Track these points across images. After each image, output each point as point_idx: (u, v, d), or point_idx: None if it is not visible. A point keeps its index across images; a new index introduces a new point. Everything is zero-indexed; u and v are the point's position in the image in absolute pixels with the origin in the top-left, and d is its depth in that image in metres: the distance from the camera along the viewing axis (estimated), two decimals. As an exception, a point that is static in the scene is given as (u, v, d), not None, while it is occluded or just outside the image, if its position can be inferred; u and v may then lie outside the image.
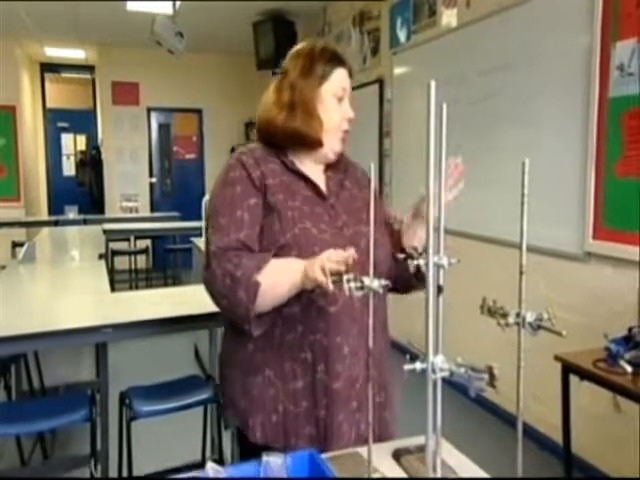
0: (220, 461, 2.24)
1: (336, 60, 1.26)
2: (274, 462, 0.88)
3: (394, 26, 4.30)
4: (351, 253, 1.02)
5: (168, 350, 3.96)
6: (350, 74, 1.30)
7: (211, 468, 0.86)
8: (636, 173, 2.30)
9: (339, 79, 1.25)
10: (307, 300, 1.17)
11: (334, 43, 5.41)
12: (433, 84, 0.76)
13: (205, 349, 3.35)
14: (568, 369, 2.01)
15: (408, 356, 0.77)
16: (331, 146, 1.27)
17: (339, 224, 1.23)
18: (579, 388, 2.02)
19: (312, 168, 1.28)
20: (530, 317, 0.81)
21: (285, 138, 1.25)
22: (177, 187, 7.64)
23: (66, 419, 1.84)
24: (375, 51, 4.65)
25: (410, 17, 4.07)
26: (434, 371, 0.75)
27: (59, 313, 2.32)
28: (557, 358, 2.03)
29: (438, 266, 0.96)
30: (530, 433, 2.85)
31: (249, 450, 1.20)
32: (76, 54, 7.41)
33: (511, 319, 0.81)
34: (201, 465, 0.92)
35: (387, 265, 1.27)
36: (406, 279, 1.24)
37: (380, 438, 1.22)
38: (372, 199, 0.99)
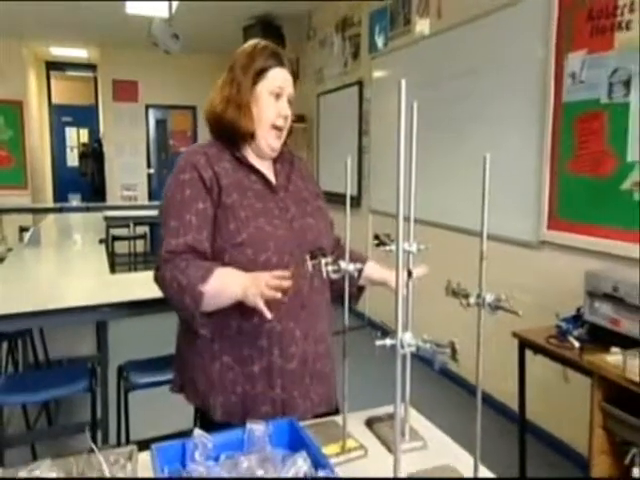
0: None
1: (275, 60, 1.21)
2: (257, 429, 0.88)
3: (373, 33, 4.26)
4: (287, 275, 1.02)
5: (164, 327, 3.90)
6: (293, 75, 1.25)
7: (198, 434, 0.85)
8: (586, 170, 2.32)
9: (275, 78, 1.20)
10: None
11: (318, 47, 5.36)
12: (403, 83, 0.74)
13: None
14: (524, 344, 2.03)
15: (379, 333, 0.76)
16: (267, 141, 1.21)
17: (289, 217, 1.19)
18: (533, 361, 2.05)
19: (260, 163, 1.24)
20: (489, 298, 0.81)
21: (222, 129, 1.20)
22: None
23: (68, 389, 1.82)
24: (355, 55, 4.60)
25: (387, 25, 4.03)
26: (402, 346, 0.74)
27: (62, 292, 2.28)
28: (514, 335, 2.05)
29: (408, 252, 0.95)
30: (490, 401, 2.89)
31: (210, 427, 1.15)
32: (79, 54, 7.25)
33: (472, 300, 0.81)
34: (191, 432, 0.91)
35: (331, 251, 1.25)
36: (339, 291, 1.18)
37: (331, 399, 1.24)
38: (348, 194, 0.98)
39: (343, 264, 0.98)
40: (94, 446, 0.72)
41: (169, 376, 1.93)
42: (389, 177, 3.88)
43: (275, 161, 1.27)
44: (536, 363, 2.06)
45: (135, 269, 5.89)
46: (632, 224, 2.10)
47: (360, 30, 4.48)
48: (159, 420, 2.19)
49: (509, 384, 2.18)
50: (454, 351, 0.73)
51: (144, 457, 0.86)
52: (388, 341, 0.78)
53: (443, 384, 3.22)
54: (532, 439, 2.39)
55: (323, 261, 0.97)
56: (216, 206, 1.14)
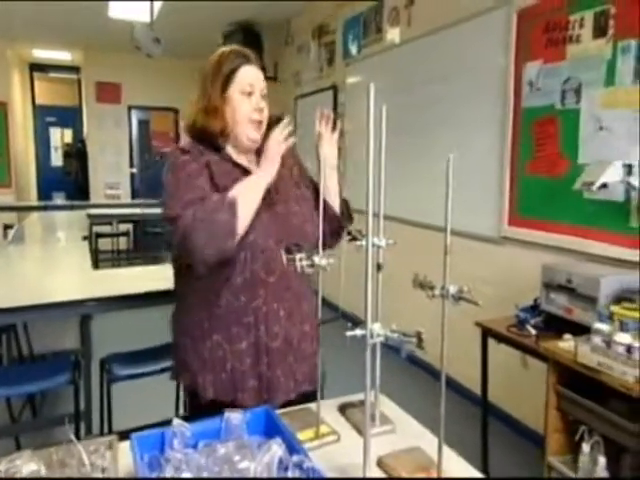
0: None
1: (241, 59, 1.21)
2: (234, 418, 0.87)
3: (347, 40, 4.25)
4: (286, 121, 1.13)
5: (147, 321, 3.84)
6: (263, 70, 1.25)
7: (177, 424, 0.83)
8: (542, 171, 2.38)
9: (245, 76, 1.20)
10: (250, 273, 1.15)
11: (296, 53, 5.32)
12: (372, 87, 0.74)
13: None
14: (486, 333, 2.07)
15: (350, 324, 0.76)
16: (246, 134, 1.21)
17: (272, 202, 1.19)
18: (495, 348, 2.09)
19: (244, 159, 1.25)
20: (452, 290, 0.81)
21: (200, 137, 1.21)
22: (155, 177, 7.37)
23: (51, 382, 1.77)
24: (331, 61, 4.59)
25: (360, 33, 4.03)
26: (372, 336, 0.74)
27: (46, 288, 2.21)
28: (477, 324, 2.09)
29: (377, 246, 0.96)
30: (455, 386, 2.94)
31: (199, 408, 1.18)
32: (63, 56, 7.03)
33: (437, 291, 0.82)
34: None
35: (316, 236, 1.19)
36: (334, 228, 1.25)
37: (314, 379, 1.20)
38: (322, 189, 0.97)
39: (317, 259, 0.97)
40: (73, 437, 0.70)
41: (151, 368, 1.91)
42: (362, 177, 3.88)
43: (258, 154, 1.26)
44: (498, 350, 2.10)
45: (118, 265, 5.77)
46: (582, 221, 2.16)
47: (335, 37, 4.47)
48: (142, 411, 2.15)
49: (473, 370, 2.22)
50: (420, 340, 0.73)
51: (125, 446, 0.84)
52: (358, 331, 0.78)
53: (412, 371, 3.26)
54: (494, 420, 2.44)
55: (298, 256, 0.96)
56: (211, 187, 1.15)
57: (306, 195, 1.30)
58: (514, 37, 2.48)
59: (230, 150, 1.24)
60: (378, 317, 0.99)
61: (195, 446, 0.84)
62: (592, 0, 2.09)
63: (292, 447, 0.79)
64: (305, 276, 1.22)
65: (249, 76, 1.21)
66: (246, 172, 1.21)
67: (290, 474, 0.75)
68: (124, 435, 0.87)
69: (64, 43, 6.38)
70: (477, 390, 2.35)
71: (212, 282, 1.15)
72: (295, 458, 0.76)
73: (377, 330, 0.75)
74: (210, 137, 1.20)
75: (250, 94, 1.20)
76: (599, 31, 2.07)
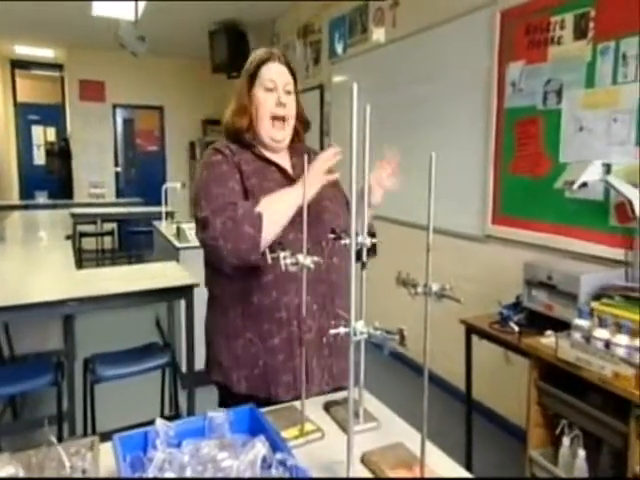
0: (177, 417, 2.19)
1: (265, 56, 1.24)
2: (218, 417, 0.86)
3: (333, 40, 4.26)
4: (336, 150, 1.12)
5: (132, 320, 3.81)
6: (286, 64, 1.26)
7: (160, 423, 0.82)
8: (524, 171, 2.41)
9: (267, 73, 1.23)
10: (280, 269, 1.11)
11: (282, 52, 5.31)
12: (355, 87, 0.74)
13: (166, 319, 3.24)
14: (470, 330, 2.09)
15: (333, 322, 0.76)
16: (267, 133, 1.23)
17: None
18: (479, 345, 2.11)
19: (277, 157, 1.27)
20: (435, 287, 0.82)
21: (230, 135, 1.26)
22: (140, 175, 7.32)
23: (33, 384, 1.73)
24: (316, 61, 4.58)
25: (346, 33, 4.04)
26: (355, 334, 0.75)
27: (27, 288, 2.17)
28: (461, 321, 2.11)
29: (362, 245, 0.96)
30: (440, 383, 2.97)
31: (229, 403, 1.18)
32: (45, 53, 6.90)
33: (420, 289, 0.82)
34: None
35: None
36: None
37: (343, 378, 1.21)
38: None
39: (301, 258, 0.97)
40: (53, 438, 0.69)
41: (134, 368, 1.89)
42: (346, 176, 3.88)
43: (292, 156, 1.29)
44: (481, 347, 2.12)
45: (103, 264, 5.69)
46: (564, 219, 2.20)
47: (321, 37, 4.47)
48: (126, 412, 2.13)
49: (457, 367, 2.24)
50: (402, 337, 0.74)
51: (108, 447, 0.83)
52: (342, 329, 0.78)
53: (397, 367, 3.28)
54: (478, 416, 2.47)
55: (281, 255, 0.96)
56: (242, 188, 1.17)
57: (338, 196, 1.31)
58: (497, 38, 2.51)
59: (262, 148, 1.26)
60: (363, 315, 0.99)
61: (179, 445, 0.83)
62: (573, 2, 2.12)
63: (276, 445, 0.79)
64: (341, 270, 1.23)
65: (271, 72, 1.22)
66: (278, 168, 1.23)
67: (274, 472, 0.75)
68: (108, 436, 0.86)
69: (46, 40, 6.26)
70: (462, 386, 2.37)
71: (243, 282, 1.17)
72: (279, 456, 0.76)
73: (360, 328, 0.75)
74: (240, 136, 1.23)
75: (272, 90, 1.22)
76: (579, 33, 2.10)
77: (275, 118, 1.22)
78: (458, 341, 2.16)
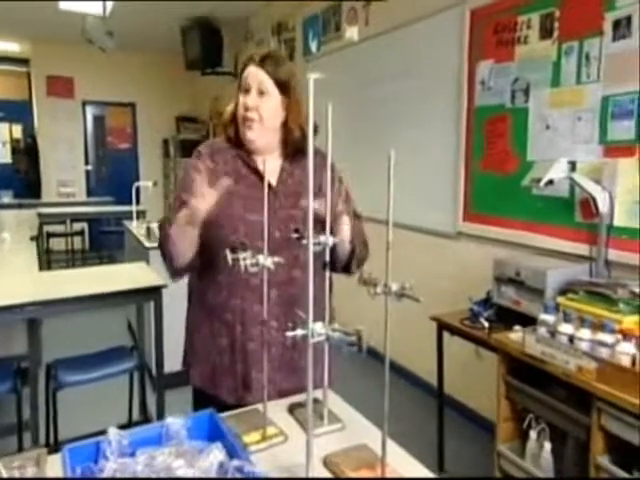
0: (146, 421, 2.14)
1: (246, 62, 1.22)
2: (175, 423, 0.83)
3: (307, 37, 4.23)
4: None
5: (103, 324, 3.71)
6: (261, 65, 1.19)
7: (113, 433, 0.79)
8: (494, 168, 2.44)
9: (245, 76, 1.21)
10: (229, 271, 1.12)
11: (256, 48, 5.23)
12: (312, 83, 0.72)
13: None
14: (441, 327, 2.11)
15: (290, 324, 0.74)
16: (241, 133, 1.22)
17: (276, 206, 1.19)
18: (451, 341, 2.13)
19: (262, 161, 1.21)
20: (395, 287, 0.81)
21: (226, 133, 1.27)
22: (112, 174, 7.13)
23: (-10, 392, 1.66)
24: (291, 58, 4.54)
25: (320, 31, 4.02)
26: (313, 336, 0.73)
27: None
28: (433, 318, 2.12)
29: (324, 245, 0.94)
30: (413, 379, 2.99)
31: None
32: (10, 47, 6.65)
33: (379, 289, 0.81)
34: (127, 426, 0.85)
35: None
36: (341, 260, 1.23)
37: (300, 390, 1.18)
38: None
39: (261, 258, 0.95)
40: (-8, 453, 0.65)
41: (99, 373, 1.84)
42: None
43: (285, 158, 1.26)
44: (453, 343, 2.14)
45: (73, 266, 5.53)
46: (531, 216, 2.23)
47: (295, 34, 4.44)
48: (96, 417, 2.07)
49: (431, 363, 2.26)
50: (360, 339, 0.72)
51: (58, 459, 0.79)
52: (299, 331, 0.76)
53: (371, 365, 3.28)
54: (450, 411, 2.49)
55: (241, 256, 0.94)
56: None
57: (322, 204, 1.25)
58: (467, 37, 2.53)
59: (249, 150, 1.24)
60: (326, 316, 0.97)
61: (134, 454, 0.80)
62: (538, 2, 2.15)
63: (234, 451, 0.77)
64: (304, 285, 1.17)
65: (248, 75, 1.20)
66: (255, 172, 1.22)
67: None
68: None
69: (11, 34, 6.04)
70: (434, 381, 2.39)
71: (201, 278, 1.22)
72: (235, 462, 0.73)
73: (318, 329, 0.74)
74: (230, 135, 1.25)
75: (247, 92, 1.20)
76: (545, 33, 2.14)
77: (246, 119, 1.20)
78: (431, 337, 2.17)
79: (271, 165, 1.24)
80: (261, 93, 1.19)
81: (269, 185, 1.19)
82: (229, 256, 0.97)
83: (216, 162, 1.21)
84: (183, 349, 1.32)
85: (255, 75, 1.19)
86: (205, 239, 1.15)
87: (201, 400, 1.23)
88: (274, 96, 1.20)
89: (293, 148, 1.25)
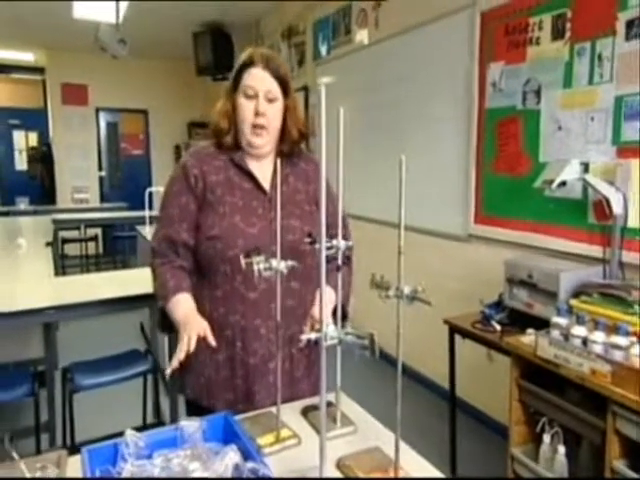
0: (159, 424, 2.16)
1: (247, 62, 1.17)
2: (189, 426, 0.84)
3: (317, 41, 4.25)
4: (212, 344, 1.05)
5: (118, 327, 3.76)
6: (271, 69, 1.16)
7: (130, 435, 0.81)
8: (506, 170, 2.42)
9: (247, 79, 1.16)
10: (229, 287, 1.15)
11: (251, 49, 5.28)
12: (323, 88, 0.74)
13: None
14: (453, 330, 2.10)
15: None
16: (246, 139, 1.19)
17: (270, 217, 1.15)
18: (463, 344, 2.12)
19: (256, 165, 1.21)
20: (407, 290, 0.81)
21: (214, 137, 1.23)
22: (125, 180, 7.23)
23: (9, 395, 1.69)
24: (301, 62, 4.58)
25: (330, 34, 4.04)
26: (326, 339, 0.74)
27: (2, 296, 2.12)
28: (445, 321, 2.11)
29: (337, 248, 0.95)
30: (425, 382, 2.98)
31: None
32: (25, 57, 6.78)
33: (391, 292, 0.82)
34: (141, 429, 0.87)
35: (311, 255, 1.18)
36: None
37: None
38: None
39: (274, 262, 0.96)
40: (15, 454, 0.67)
41: (114, 376, 1.86)
42: (331, 175, 3.87)
43: (286, 165, 1.22)
44: (465, 346, 2.13)
45: (87, 271, 5.62)
46: (543, 218, 2.22)
47: (305, 38, 4.46)
48: (111, 420, 2.10)
49: (444, 366, 2.25)
50: (372, 342, 0.73)
51: (78, 460, 0.81)
52: (313, 335, 0.77)
53: (383, 368, 3.27)
54: (462, 414, 2.48)
55: (255, 260, 0.95)
56: (200, 201, 1.17)
57: (314, 213, 1.23)
58: (478, 39, 2.52)
59: (243, 153, 1.21)
60: (338, 319, 0.98)
61: (150, 456, 0.81)
62: (550, 3, 2.14)
63: (248, 453, 0.78)
64: (301, 296, 1.19)
65: (251, 78, 1.15)
66: (252, 178, 1.19)
67: (245, 481, 0.74)
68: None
69: (26, 43, 6.17)
70: (446, 385, 2.38)
71: (200, 291, 1.19)
72: (250, 464, 0.74)
73: (331, 333, 0.75)
74: (221, 138, 1.20)
75: (252, 97, 1.15)
76: (557, 34, 2.12)
77: (255, 126, 1.17)
78: (443, 340, 2.16)
79: (267, 170, 1.22)
80: (270, 100, 1.16)
81: (264, 191, 1.19)
82: (242, 260, 0.98)
83: (204, 172, 1.17)
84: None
85: (262, 79, 1.15)
86: (203, 254, 1.15)
87: (195, 412, 1.16)
88: (280, 100, 1.18)
89: (289, 151, 1.23)
